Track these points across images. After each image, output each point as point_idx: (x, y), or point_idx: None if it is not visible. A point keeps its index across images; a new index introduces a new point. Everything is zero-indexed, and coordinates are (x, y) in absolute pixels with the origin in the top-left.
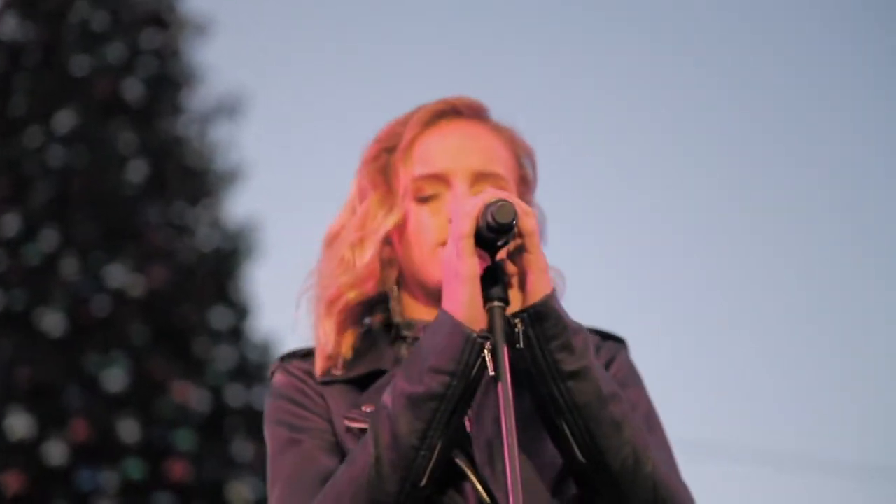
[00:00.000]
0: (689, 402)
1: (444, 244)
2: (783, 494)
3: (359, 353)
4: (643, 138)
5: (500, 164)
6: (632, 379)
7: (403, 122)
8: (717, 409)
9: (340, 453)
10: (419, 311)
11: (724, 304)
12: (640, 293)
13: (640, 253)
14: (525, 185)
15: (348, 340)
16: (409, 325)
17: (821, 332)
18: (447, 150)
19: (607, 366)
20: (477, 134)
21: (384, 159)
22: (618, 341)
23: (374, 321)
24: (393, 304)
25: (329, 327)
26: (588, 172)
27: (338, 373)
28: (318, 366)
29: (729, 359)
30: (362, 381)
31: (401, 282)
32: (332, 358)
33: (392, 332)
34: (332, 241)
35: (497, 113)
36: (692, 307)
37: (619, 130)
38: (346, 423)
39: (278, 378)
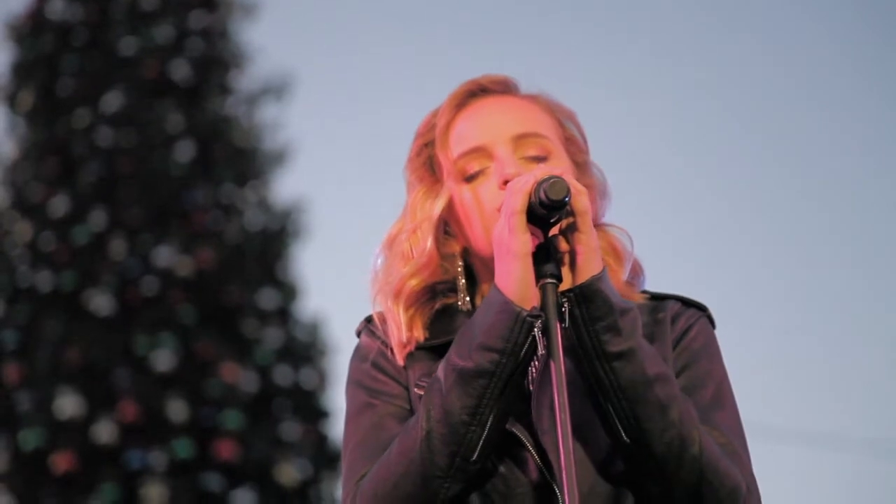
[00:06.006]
0: None
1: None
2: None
3: (437, 325)
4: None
5: (540, 125)
6: (707, 350)
7: (436, 112)
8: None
9: None
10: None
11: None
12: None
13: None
14: (573, 145)
15: (418, 323)
16: None
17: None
18: (482, 124)
19: (684, 333)
20: (510, 104)
21: (426, 153)
22: (700, 308)
23: (450, 301)
24: (460, 296)
25: (398, 316)
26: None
27: (420, 341)
28: (397, 354)
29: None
30: (442, 350)
31: (469, 269)
32: (406, 344)
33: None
34: (390, 243)
35: (527, 85)
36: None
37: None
38: (416, 390)
39: (364, 339)
